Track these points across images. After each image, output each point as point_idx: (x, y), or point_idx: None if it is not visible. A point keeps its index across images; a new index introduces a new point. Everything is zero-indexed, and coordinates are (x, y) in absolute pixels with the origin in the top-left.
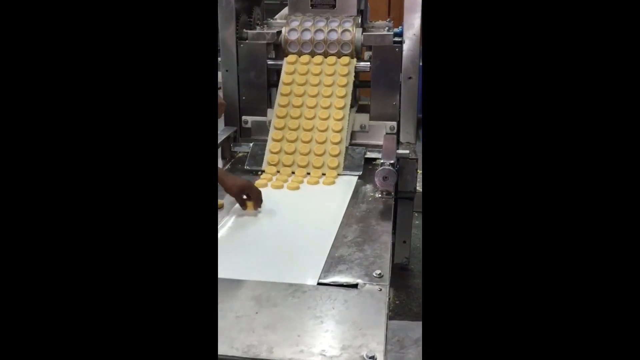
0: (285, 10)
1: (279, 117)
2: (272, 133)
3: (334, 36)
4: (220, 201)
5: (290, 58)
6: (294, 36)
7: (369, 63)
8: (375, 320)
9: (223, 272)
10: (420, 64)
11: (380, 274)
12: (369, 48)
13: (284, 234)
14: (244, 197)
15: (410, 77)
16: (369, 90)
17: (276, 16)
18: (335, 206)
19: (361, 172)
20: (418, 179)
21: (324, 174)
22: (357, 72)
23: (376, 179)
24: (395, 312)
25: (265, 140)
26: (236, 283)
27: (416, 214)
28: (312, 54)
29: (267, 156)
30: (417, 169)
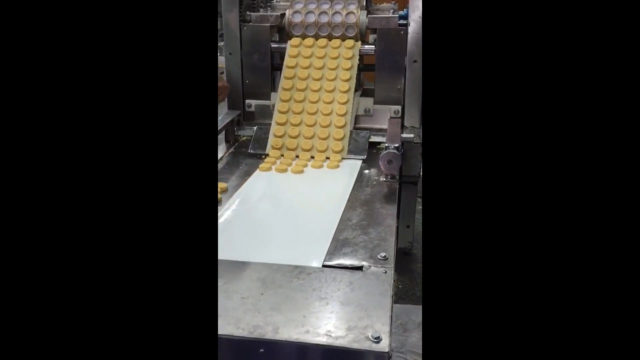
0: None
1: (282, 101)
2: (276, 117)
3: (338, 19)
4: (224, 184)
5: (294, 41)
6: (297, 19)
7: (373, 46)
8: (381, 302)
9: (228, 254)
10: None
11: (385, 256)
12: (374, 31)
13: (288, 217)
14: None
15: (415, 61)
16: (373, 75)
17: None
18: (340, 190)
19: (365, 156)
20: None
21: (328, 158)
22: (362, 55)
23: (381, 163)
24: (399, 297)
25: (269, 124)
26: (241, 265)
27: (420, 199)
28: (316, 36)
29: (271, 140)
30: (421, 153)
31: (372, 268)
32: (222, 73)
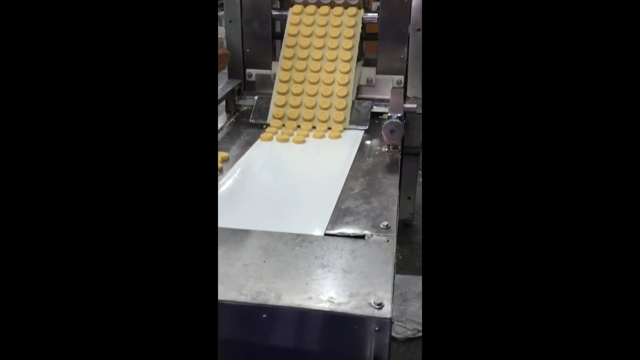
0: None
1: (284, 70)
2: (277, 86)
3: None
4: (225, 154)
5: (296, 8)
6: None
7: (376, 14)
8: (383, 270)
9: (230, 222)
10: None
11: (387, 225)
12: None
13: (290, 187)
14: None
15: (419, 29)
16: (375, 45)
17: None
18: (342, 160)
19: (367, 127)
20: None
21: (329, 128)
22: (364, 24)
23: (383, 133)
24: (399, 267)
25: (270, 94)
26: (243, 233)
27: (421, 171)
28: (318, 4)
29: (272, 109)
30: None
31: (374, 237)
32: (223, 42)
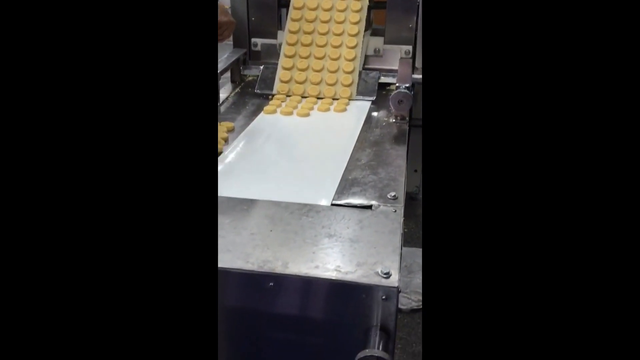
0: None
1: (289, 44)
2: (282, 61)
3: None
4: (230, 124)
5: None
6: None
7: None
8: (390, 240)
9: (236, 192)
10: None
11: (395, 195)
12: None
13: (296, 157)
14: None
15: None
16: (383, 14)
17: None
18: (348, 130)
19: (374, 97)
20: None
21: (335, 99)
22: None
23: (391, 103)
24: (404, 240)
25: (276, 64)
26: (249, 202)
27: (422, 142)
28: None
29: (277, 85)
30: None
31: (382, 207)
32: (228, 10)
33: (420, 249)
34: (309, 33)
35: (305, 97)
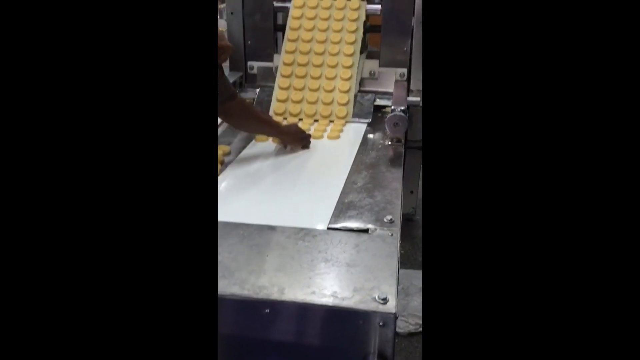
0: None
1: (285, 64)
2: (279, 80)
3: None
4: (227, 147)
5: (297, 1)
6: None
7: (379, 6)
8: (387, 264)
9: (232, 216)
10: None
11: (391, 219)
12: None
13: (292, 180)
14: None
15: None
16: (378, 38)
17: None
18: (344, 153)
19: (370, 120)
20: None
21: (331, 121)
22: (368, 16)
23: (387, 126)
24: (401, 262)
25: (272, 87)
26: (245, 227)
27: (422, 164)
28: None
29: (274, 105)
30: None
31: (378, 231)
32: (224, 34)
33: (417, 271)
34: (306, 53)
35: (301, 120)
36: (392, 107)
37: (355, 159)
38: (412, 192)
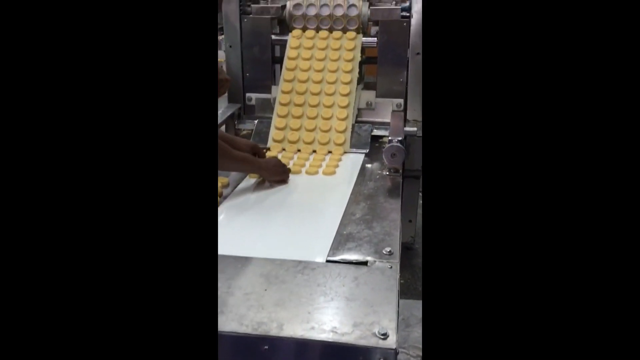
0: None
1: (284, 93)
2: (278, 109)
3: (339, 11)
4: (225, 179)
5: (295, 32)
6: (299, 11)
7: (375, 38)
8: (387, 298)
9: (229, 249)
10: None
11: (390, 251)
12: (376, 23)
13: (290, 212)
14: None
15: (418, 53)
16: (375, 69)
17: None
18: (343, 184)
19: (368, 150)
20: None
21: (330, 152)
22: (364, 48)
23: (384, 156)
24: (401, 292)
25: (270, 118)
26: (244, 260)
27: (422, 194)
28: (317, 29)
29: (272, 132)
30: None
31: (377, 263)
32: (223, 66)
33: (418, 301)
34: (303, 82)
35: (300, 149)
36: (390, 138)
37: (353, 189)
38: (410, 220)
